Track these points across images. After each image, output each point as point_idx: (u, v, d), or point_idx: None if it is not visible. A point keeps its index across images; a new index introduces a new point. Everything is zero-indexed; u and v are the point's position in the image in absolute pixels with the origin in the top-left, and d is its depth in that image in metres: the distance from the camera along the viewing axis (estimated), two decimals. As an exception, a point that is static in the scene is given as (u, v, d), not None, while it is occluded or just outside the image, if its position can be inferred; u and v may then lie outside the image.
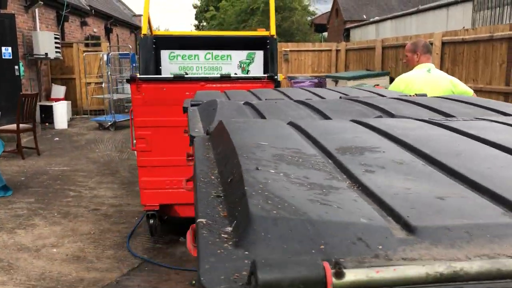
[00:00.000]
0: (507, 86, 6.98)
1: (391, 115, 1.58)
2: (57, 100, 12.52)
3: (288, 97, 2.57)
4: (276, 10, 26.04)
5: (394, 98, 1.90)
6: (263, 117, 1.55)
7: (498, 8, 25.09)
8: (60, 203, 5.69)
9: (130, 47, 13.38)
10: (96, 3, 19.55)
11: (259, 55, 6.16)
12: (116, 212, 5.36)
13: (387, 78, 9.91)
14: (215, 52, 6.10)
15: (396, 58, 10.73)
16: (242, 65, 6.19)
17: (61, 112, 11.82)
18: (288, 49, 14.38)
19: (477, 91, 7.36)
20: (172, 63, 6.08)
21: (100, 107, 13.89)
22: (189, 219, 4.36)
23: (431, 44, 8.99)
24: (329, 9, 44.15)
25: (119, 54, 12.40)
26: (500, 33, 7.12)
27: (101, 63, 13.13)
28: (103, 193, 6.13)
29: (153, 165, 4.25)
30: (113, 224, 4.98)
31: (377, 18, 38.98)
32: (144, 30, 5.88)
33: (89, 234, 4.66)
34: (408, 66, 4.09)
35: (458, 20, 26.21)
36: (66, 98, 13.13)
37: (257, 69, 6.17)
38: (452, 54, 8.49)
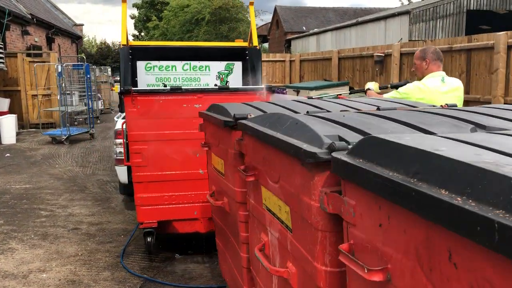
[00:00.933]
0: (467, 94, 7.38)
1: (482, 127, 1.61)
2: (1, 113, 11.77)
3: (320, 108, 2.53)
4: (223, 21, 26.36)
5: (463, 110, 1.94)
6: (364, 133, 1.52)
7: (432, 21, 26.64)
8: (34, 223, 5.33)
9: (84, 57, 12.83)
10: (37, 12, 18.68)
11: (237, 66, 6.14)
12: (99, 231, 5.10)
13: (346, 88, 10.18)
14: (193, 63, 6.01)
15: (353, 69, 11.06)
16: (221, 76, 6.13)
17: (8, 126, 11.13)
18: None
19: (438, 100, 7.74)
20: (148, 74, 5.92)
21: (48, 120, 13.23)
22: (180, 235, 4.22)
23: (390, 55, 9.37)
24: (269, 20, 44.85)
25: (73, 64, 11.86)
26: (459, 45, 7.54)
27: (49, 73, 12.52)
28: (78, 211, 5.81)
29: (150, 181, 4.08)
30: (99, 243, 4.73)
31: (317, 29, 40.12)
32: (124, 41, 5.68)
33: (77, 256, 4.39)
34: (416, 75, 3.99)
35: (396, 32, 27.54)
36: (10, 111, 12.37)
37: (236, 80, 6.14)
38: (411, 65, 8.87)
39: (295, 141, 1.52)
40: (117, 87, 5.68)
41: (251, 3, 6.46)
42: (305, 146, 1.43)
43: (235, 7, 26.57)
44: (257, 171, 2.04)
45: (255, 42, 6.08)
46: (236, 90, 4.22)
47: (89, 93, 11.72)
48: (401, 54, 9.10)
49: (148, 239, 4.12)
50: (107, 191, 6.76)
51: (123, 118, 5.46)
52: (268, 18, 45.42)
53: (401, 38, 25.01)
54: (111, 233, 5.04)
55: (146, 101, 4.05)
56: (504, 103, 6.45)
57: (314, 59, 13.16)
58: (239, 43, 6.52)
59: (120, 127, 5.37)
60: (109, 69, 19.49)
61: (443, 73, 3.85)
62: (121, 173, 5.44)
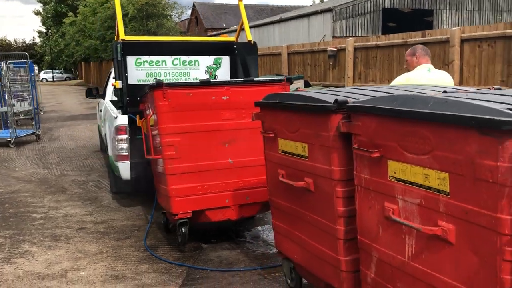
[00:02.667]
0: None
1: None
2: None
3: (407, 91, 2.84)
4: (150, 17, 25.80)
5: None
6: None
7: (352, 18, 28.18)
8: (34, 226, 5.11)
9: (27, 55, 12.05)
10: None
11: (225, 60, 6.27)
12: (109, 229, 5.03)
13: (301, 82, 10.65)
14: (183, 58, 6.03)
15: (304, 63, 11.56)
16: (210, 70, 6.23)
17: None
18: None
19: (394, 90, 8.43)
20: (138, 69, 5.85)
21: (-18, 122, 12.29)
22: (204, 225, 4.34)
23: (343, 50, 9.98)
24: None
25: (14, 62, 11.12)
26: (413, 39, 8.27)
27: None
28: (72, 211, 5.64)
29: (183, 172, 4.15)
30: (118, 240, 4.69)
31: (237, 26, 40.50)
32: (122, 35, 5.58)
33: (103, 253, 4.34)
34: (409, 70, 4.52)
35: (319, 29, 28.74)
36: None
37: (224, 74, 6.26)
38: (365, 58, 9.53)
39: (469, 115, 1.81)
40: (118, 83, 5.55)
41: (241, 0, 6.61)
42: (492, 117, 1.72)
43: (161, 3, 26.17)
44: (383, 148, 2.30)
45: (249, 36, 6.26)
46: (260, 82, 4.41)
47: (33, 93, 11.09)
48: (355, 49, 9.73)
49: (183, 230, 4.18)
50: (91, 191, 6.59)
51: (123, 114, 5.41)
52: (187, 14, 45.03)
53: (325, 35, 26.22)
54: (122, 230, 5.00)
55: (177, 94, 4.11)
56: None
57: (262, 55, 13.48)
58: (225, 38, 6.65)
59: (122, 123, 5.33)
60: (36, 67, 18.37)
61: (431, 65, 4.43)
62: (124, 169, 5.38)
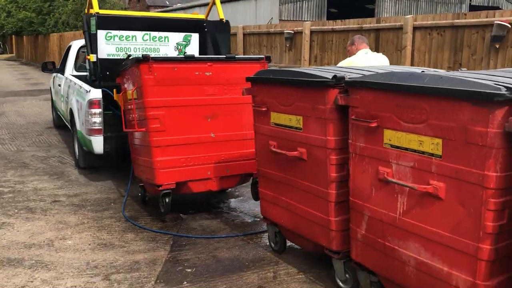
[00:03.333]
0: (375, 68, 8.63)
1: None
2: None
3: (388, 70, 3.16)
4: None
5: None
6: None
7: (299, 2, 28.58)
8: (4, 200, 5.04)
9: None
10: None
11: (195, 37, 6.38)
12: (84, 201, 5.07)
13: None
14: (153, 34, 6.08)
15: (260, 44, 11.77)
16: (179, 46, 6.32)
17: None
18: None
19: (348, 73, 8.88)
20: (109, 43, 5.84)
21: None
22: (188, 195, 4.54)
23: (300, 33, 10.29)
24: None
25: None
26: (368, 25, 8.71)
27: None
28: (41, 185, 5.59)
29: (168, 145, 4.29)
30: (96, 212, 4.76)
31: (183, 4, 39.89)
32: (96, 8, 5.52)
33: (85, 224, 4.41)
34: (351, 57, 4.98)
35: (266, 11, 28.98)
36: None
37: (193, 51, 6.37)
38: (321, 42, 9.90)
39: (464, 89, 2.14)
40: (92, 56, 5.50)
41: None
42: (483, 90, 2.06)
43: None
44: (380, 118, 2.61)
45: (221, 15, 6.38)
46: (241, 59, 4.61)
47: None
48: (311, 32, 10.07)
49: (166, 200, 4.33)
50: (55, 166, 6.51)
51: (96, 88, 5.40)
52: (128, -10, 43.63)
53: (272, 18, 26.49)
54: (98, 202, 5.06)
55: (162, 69, 4.23)
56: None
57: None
58: (195, 15, 6.72)
59: (95, 96, 5.34)
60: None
61: (368, 49, 4.98)
62: (97, 143, 5.40)
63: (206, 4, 33.44)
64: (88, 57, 5.50)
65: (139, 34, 5.99)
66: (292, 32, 10.52)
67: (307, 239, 3.39)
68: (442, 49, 7.48)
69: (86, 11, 5.90)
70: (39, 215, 4.60)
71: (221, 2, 25.15)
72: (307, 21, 13.11)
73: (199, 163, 4.43)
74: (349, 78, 2.83)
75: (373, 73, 2.91)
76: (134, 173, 5.00)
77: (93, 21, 5.47)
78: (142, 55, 4.16)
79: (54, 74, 8.63)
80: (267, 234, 4.19)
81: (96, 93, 5.36)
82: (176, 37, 6.27)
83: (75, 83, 6.41)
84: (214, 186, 4.55)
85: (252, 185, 4.80)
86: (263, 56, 4.68)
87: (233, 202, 5.19)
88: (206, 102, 4.44)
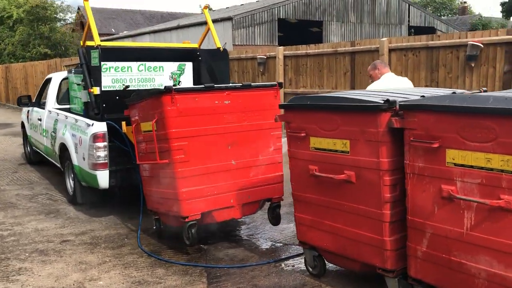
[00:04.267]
0: (352, 89, 8.94)
1: None
2: None
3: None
4: (40, 20, 24.17)
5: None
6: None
7: (251, 27, 29.18)
8: (8, 243, 4.76)
9: None
10: None
11: (188, 66, 6.38)
12: (95, 239, 4.87)
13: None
14: (148, 64, 6.04)
15: (230, 70, 11.86)
16: (174, 76, 6.30)
17: None
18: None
19: (325, 95, 9.15)
20: (105, 75, 5.73)
21: None
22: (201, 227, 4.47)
23: (274, 57, 10.51)
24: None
25: None
26: (343, 48, 9.05)
27: None
28: (40, 225, 5.32)
29: (192, 175, 4.24)
30: (113, 249, 4.59)
31: (132, 32, 39.45)
32: (97, 40, 5.40)
33: (108, 263, 4.24)
34: (373, 81, 5.21)
35: (220, 36, 29.12)
36: None
37: (187, 80, 6.38)
38: (295, 66, 10.15)
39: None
40: (95, 89, 5.35)
41: (206, 7, 6.73)
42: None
43: (54, 6, 24.65)
44: (442, 139, 2.74)
45: (218, 43, 6.42)
46: (256, 87, 4.66)
47: None
48: (285, 57, 10.31)
49: (192, 231, 4.26)
50: (46, 204, 6.22)
51: (100, 121, 5.26)
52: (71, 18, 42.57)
53: (225, 43, 26.75)
54: (110, 239, 4.88)
55: (185, 99, 4.21)
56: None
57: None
58: (188, 44, 6.73)
59: (100, 130, 5.22)
60: None
61: (392, 73, 5.28)
62: (103, 177, 5.24)
63: (156, 31, 33.27)
64: (91, 90, 5.36)
65: (134, 64, 5.92)
66: (265, 57, 10.72)
67: (354, 259, 3.45)
68: (418, 69, 7.89)
69: (82, 44, 5.77)
70: (54, 257, 4.37)
71: (171, 29, 25.26)
72: (263, 45, 13.37)
73: (222, 191, 4.41)
74: (402, 102, 2.96)
75: (424, 96, 3.08)
76: (146, 206, 4.88)
77: (95, 54, 5.36)
78: (165, 86, 4.12)
79: (29, 108, 8.29)
80: (298, 258, 4.23)
81: (101, 127, 5.22)
82: (171, 66, 6.25)
83: (66, 117, 6.20)
84: (237, 214, 4.54)
85: (271, 210, 4.84)
86: (275, 83, 4.77)
87: (248, 229, 5.16)
88: (226, 130, 4.45)
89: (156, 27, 34.82)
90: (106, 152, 5.22)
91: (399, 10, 32.76)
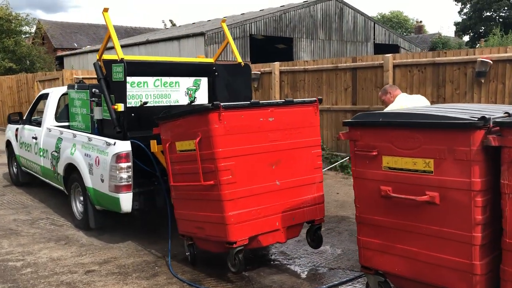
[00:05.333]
0: (354, 105, 8.89)
1: None
2: None
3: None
4: (4, 33, 23.16)
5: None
6: None
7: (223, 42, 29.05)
8: (26, 276, 4.29)
9: None
10: None
11: (204, 82, 6.11)
12: (121, 268, 4.47)
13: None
14: (164, 79, 5.73)
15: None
16: (189, 92, 6.01)
17: None
18: (81, 77, 13.36)
19: (325, 111, 9.09)
20: (129, 91, 5.37)
21: None
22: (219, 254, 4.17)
23: (270, 73, 10.36)
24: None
25: None
26: (344, 64, 9.00)
27: None
28: (55, 254, 4.87)
29: (239, 197, 3.96)
30: (148, 279, 4.21)
31: (91, 47, 38.45)
32: (120, 54, 5.04)
33: (147, 295, 3.88)
34: (387, 106, 5.20)
35: (191, 52, 29.02)
36: None
37: (202, 96, 6.10)
38: (291, 81, 10.02)
39: None
40: (120, 105, 4.98)
41: (223, 20, 6.47)
42: None
43: (18, 18, 23.67)
44: (551, 157, 2.62)
45: (238, 58, 6.18)
46: (298, 103, 4.45)
47: None
48: (281, 72, 10.17)
49: (240, 258, 3.97)
50: (51, 230, 5.73)
51: (123, 139, 4.90)
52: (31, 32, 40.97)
53: (204, 57, 26.52)
54: (139, 268, 4.50)
55: (231, 116, 3.95)
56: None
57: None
58: (203, 59, 6.45)
59: (124, 149, 4.86)
60: None
61: (404, 93, 5.40)
62: (126, 200, 4.86)
63: (123, 46, 32.54)
64: (115, 106, 4.99)
65: (150, 80, 5.59)
66: (259, 72, 10.55)
67: (432, 285, 3.26)
68: (424, 85, 7.92)
69: (98, 57, 5.39)
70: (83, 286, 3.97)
71: (140, 44, 24.77)
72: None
73: (268, 214, 4.15)
74: (498, 119, 2.83)
75: (509, 113, 2.95)
76: (178, 230, 4.54)
77: (118, 68, 5.01)
78: (213, 103, 3.84)
79: (17, 126, 7.74)
80: (352, 283, 4.01)
81: (124, 146, 4.85)
82: (187, 81, 5.96)
83: (74, 135, 5.77)
84: (282, 237, 4.28)
85: (311, 232, 4.60)
86: (315, 99, 4.58)
87: (281, 252, 4.88)
88: (270, 149, 4.21)
89: (124, 42, 34.07)
90: (130, 173, 4.85)
91: (365, 28, 33.53)
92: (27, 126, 7.40)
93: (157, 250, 4.95)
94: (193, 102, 5.83)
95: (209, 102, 6.04)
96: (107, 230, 5.51)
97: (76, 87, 6.32)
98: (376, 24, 34.02)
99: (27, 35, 24.46)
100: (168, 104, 5.68)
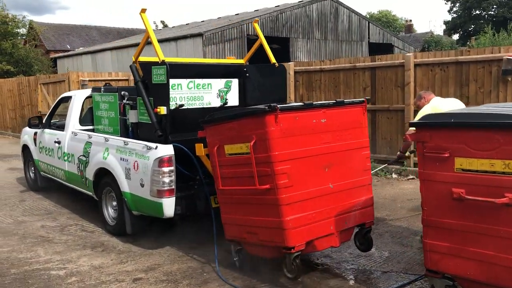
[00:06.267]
0: (373, 104, 8.83)
1: None
2: None
3: None
4: (1, 35, 22.85)
5: None
6: None
7: (221, 43, 29.00)
8: (74, 286, 4.16)
9: None
10: None
11: (235, 83, 6.00)
12: (169, 275, 4.36)
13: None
14: (197, 81, 5.61)
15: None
16: (221, 93, 5.89)
17: None
18: (87, 79, 13.17)
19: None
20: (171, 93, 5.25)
21: None
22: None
23: (288, 73, 10.27)
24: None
25: None
26: (362, 64, 8.94)
27: None
28: (96, 262, 4.74)
29: (296, 201, 3.87)
30: (200, 286, 4.11)
31: (84, 49, 38.07)
32: (161, 56, 4.91)
33: (205, 303, 3.77)
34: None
35: (189, 52, 28.87)
36: None
37: (233, 98, 5.98)
38: (307, 82, 9.95)
39: None
40: (162, 109, 4.86)
41: (256, 21, 6.37)
42: None
43: (15, 20, 23.31)
44: None
45: (272, 59, 6.07)
46: (349, 103, 4.37)
47: None
48: (295, 72, 10.09)
49: (298, 263, 3.87)
50: (83, 236, 5.59)
51: (165, 143, 4.78)
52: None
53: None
54: (186, 274, 4.38)
55: (287, 118, 3.86)
56: (414, 110, 8.00)
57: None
58: (233, 60, 6.34)
59: (167, 153, 4.74)
60: None
61: (438, 97, 5.44)
62: (169, 205, 4.74)
63: (116, 48, 32.35)
64: (157, 110, 4.87)
65: (184, 82, 5.47)
66: (273, 73, 10.44)
67: (509, 289, 3.20)
68: (446, 84, 7.88)
69: (134, 59, 5.27)
70: (137, 300, 3.85)
71: (133, 46, 24.51)
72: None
73: (323, 217, 4.07)
74: None
75: None
76: (225, 235, 4.43)
77: (160, 70, 4.89)
78: (269, 105, 3.75)
79: (36, 130, 7.56)
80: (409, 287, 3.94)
81: (167, 150, 4.73)
82: (218, 83, 5.84)
83: (106, 139, 5.63)
84: (336, 241, 4.20)
85: (361, 235, 4.52)
86: (363, 99, 4.50)
87: (328, 256, 4.78)
88: (323, 151, 4.12)
89: (116, 43, 33.73)
90: (172, 178, 4.73)
91: (359, 28, 33.55)
92: (47, 130, 7.24)
93: (199, 255, 4.84)
94: (225, 104, 5.73)
95: (239, 104, 5.95)
96: (143, 236, 5.38)
97: (102, 89, 6.18)
98: (370, 24, 34.09)
99: (23, 37, 24.02)
100: (201, 106, 5.56)
